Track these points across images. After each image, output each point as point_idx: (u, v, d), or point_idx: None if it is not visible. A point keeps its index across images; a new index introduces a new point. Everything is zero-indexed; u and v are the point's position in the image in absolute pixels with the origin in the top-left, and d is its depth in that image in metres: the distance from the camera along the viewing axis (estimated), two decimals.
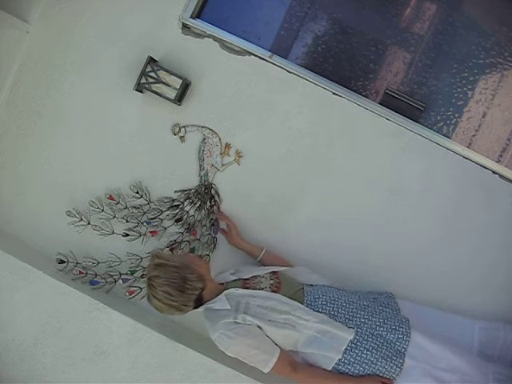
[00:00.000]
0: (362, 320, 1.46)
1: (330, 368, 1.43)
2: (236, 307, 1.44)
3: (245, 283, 1.54)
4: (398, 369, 1.41)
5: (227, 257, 1.82)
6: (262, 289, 1.50)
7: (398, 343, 1.43)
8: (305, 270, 1.67)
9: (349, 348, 1.42)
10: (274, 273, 1.58)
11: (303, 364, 1.46)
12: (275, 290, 1.50)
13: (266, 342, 1.42)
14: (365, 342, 1.43)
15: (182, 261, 1.46)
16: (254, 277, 1.56)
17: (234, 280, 1.57)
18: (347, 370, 1.43)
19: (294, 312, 1.43)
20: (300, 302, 1.47)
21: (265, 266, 1.68)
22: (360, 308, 1.49)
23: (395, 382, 1.42)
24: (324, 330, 1.42)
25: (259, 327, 1.42)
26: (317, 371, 1.44)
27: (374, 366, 1.42)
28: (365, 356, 1.42)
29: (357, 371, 1.42)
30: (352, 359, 1.42)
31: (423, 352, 1.43)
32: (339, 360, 1.42)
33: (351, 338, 1.42)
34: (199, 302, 1.48)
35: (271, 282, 1.53)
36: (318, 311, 1.46)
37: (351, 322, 1.45)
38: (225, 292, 1.49)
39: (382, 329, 1.45)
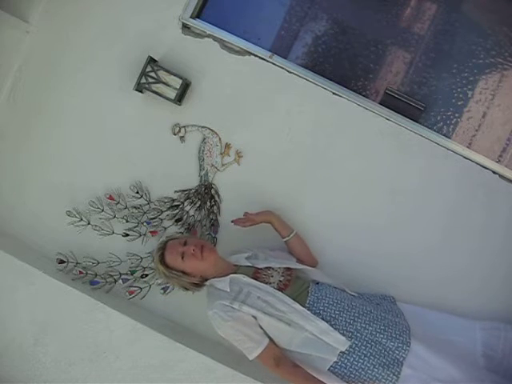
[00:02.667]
0: (363, 325, 1.44)
1: (325, 369, 1.42)
2: (237, 293, 1.45)
3: (256, 272, 1.54)
4: (394, 377, 1.39)
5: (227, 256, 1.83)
6: (270, 283, 1.50)
7: (397, 352, 1.41)
8: (318, 271, 1.65)
9: (346, 352, 1.41)
10: (288, 269, 1.57)
11: (289, 362, 1.44)
12: (282, 287, 1.50)
13: (256, 331, 1.42)
14: (363, 348, 1.42)
15: (181, 271, 1.53)
16: (267, 268, 1.56)
17: (247, 266, 1.57)
18: (343, 373, 1.41)
19: (290, 314, 1.42)
20: (303, 302, 1.47)
21: (290, 249, 1.70)
22: (362, 313, 1.48)
23: None
24: (317, 337, 1.42)
25: (254, 317, 1.43)
26: (299, 372, 1.43)
27: (370, 372, 1.40)
28: (362, 361, 1.41)
29: (353, 376, 1.41)
30: (349, 363, 1.41)
31: (422, 362, 1.41)
32: (335, 362, 1.41)
33: (343, 349, 1.41)
34: (204, 281, 1.57)
35: (281, 278, 1.53)
36: (319, 312, 1.45)
37: (351, 326, 1.44)
38: (231, 276, 1.50)
39: (381, 336, 1.43)
